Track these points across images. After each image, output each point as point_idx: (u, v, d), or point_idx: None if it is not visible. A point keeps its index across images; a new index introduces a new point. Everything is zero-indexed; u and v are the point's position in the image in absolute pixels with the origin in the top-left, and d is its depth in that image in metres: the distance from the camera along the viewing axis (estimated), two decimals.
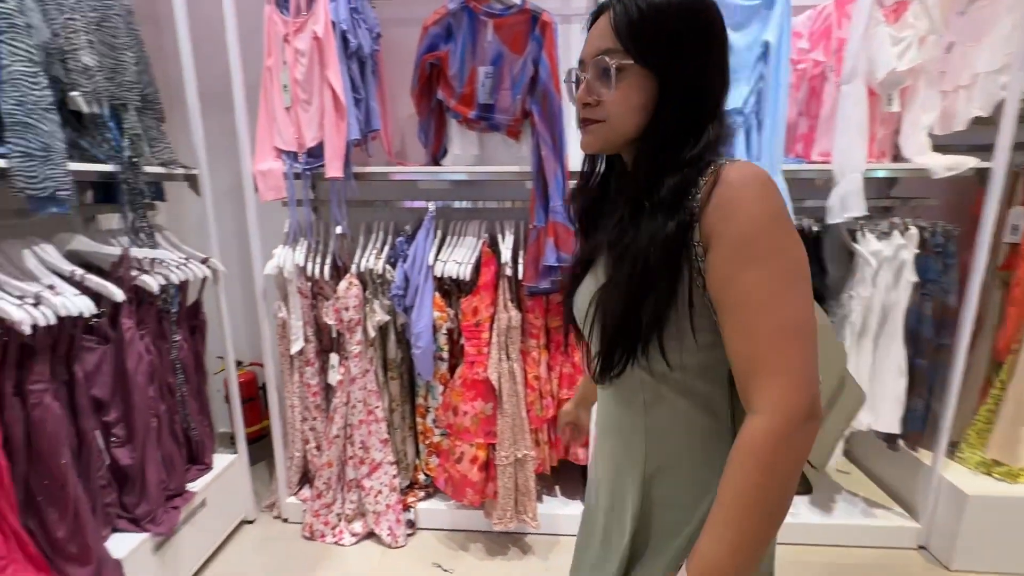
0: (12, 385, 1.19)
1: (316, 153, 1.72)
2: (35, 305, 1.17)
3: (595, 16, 0.64)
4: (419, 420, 1.97)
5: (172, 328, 1.61)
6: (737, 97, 1.54)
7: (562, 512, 1.93)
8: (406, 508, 1.94)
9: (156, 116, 1.62)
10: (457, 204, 1.90)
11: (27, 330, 1.14)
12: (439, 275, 1.76)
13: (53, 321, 1.20)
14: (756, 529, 0.54)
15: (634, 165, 0.65)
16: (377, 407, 1.85)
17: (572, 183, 1.80)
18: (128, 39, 1.49)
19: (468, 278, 1.76)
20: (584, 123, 0.65)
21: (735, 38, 1.52)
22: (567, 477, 2.14)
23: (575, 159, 1.71)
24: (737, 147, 1.57)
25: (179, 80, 1.65)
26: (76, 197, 1.26)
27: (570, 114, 1.86)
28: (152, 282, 1.48)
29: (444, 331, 1.81)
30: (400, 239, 1.82)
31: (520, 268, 1.75)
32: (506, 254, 1.73)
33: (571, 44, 1.94)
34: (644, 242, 0.59)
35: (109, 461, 1.46)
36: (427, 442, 1.95)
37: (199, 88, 1.67)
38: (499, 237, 1.83)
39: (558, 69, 1.59)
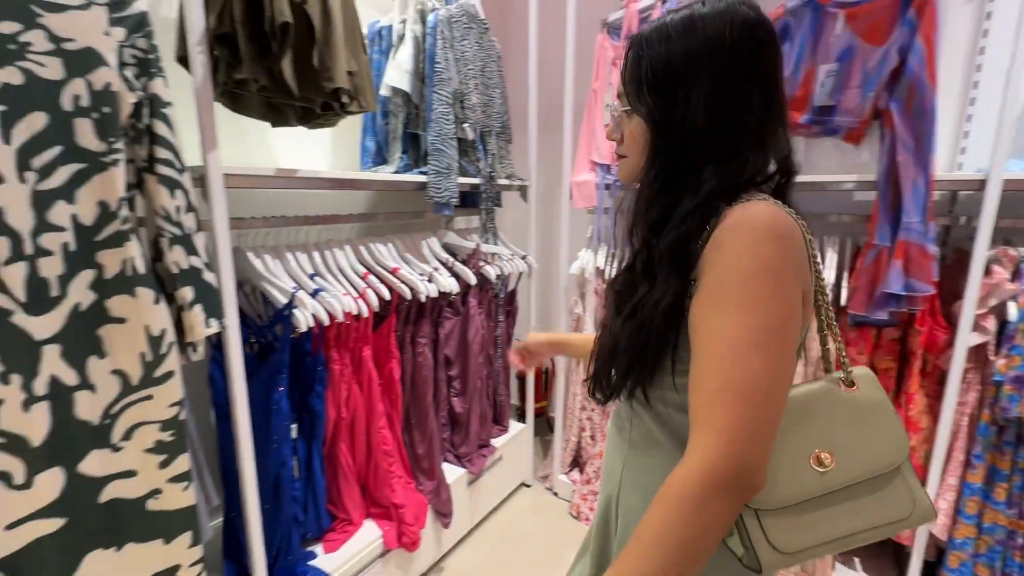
0: (409, 337, 1.66)
1: None
2: (428, 281, 1.61)
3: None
4: None
5: (498, 310, 1.98)
6: None
7: None
8: None
9: (506, 139, 2.01)
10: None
11: (423, 299, 1.57)
12: None
13: (435, 294, 1.63)
14: (657, 566, 0.49)
15: (640, 204, 0.62)
16: None
17: (937, 194, 1.46)
18: (498, 79, 1.88)
19: None
20: (614, 156, 0.68)
21: None
22: (874, 553, 1.76)
23: (943, 165, 1.38)
24: None
25: (523, 107, 2.01)
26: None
27: (944, 112, 1.52)
28: (491, 271, 1.84)
29: None
30: None
31: (843, 292, 1.51)
32: (827, 275, 1.51)
33: (948, 22, 1.56)
34: (646, 311, 0.58)
35: (448, 406, 1.90)
36: None
37: (536, 112, 2.00)
38: (815, 254, 1.61)
39: (936, 56, 1.30)
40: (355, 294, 1.43)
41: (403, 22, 1.67)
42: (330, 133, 1.80)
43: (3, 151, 0.75)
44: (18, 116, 0.76)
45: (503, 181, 1.93)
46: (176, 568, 1.01)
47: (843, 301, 1.51)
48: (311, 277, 1.38)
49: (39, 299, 0.80)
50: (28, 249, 0.78)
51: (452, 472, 1.86)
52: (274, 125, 1.30)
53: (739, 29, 0.57)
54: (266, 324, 1.37)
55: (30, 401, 0.80)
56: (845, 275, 1.55)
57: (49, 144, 0.79)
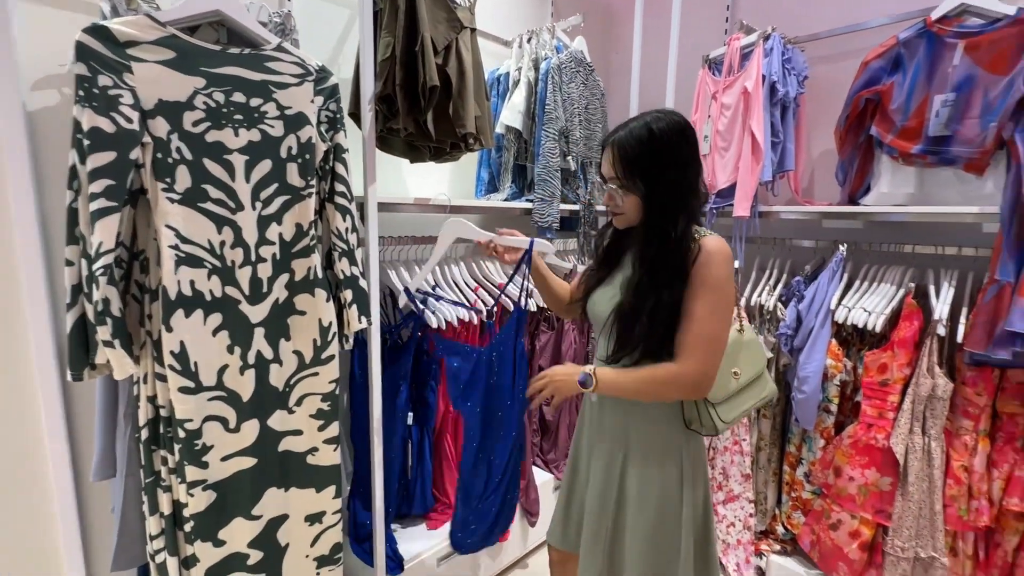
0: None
1: (724, 194, 1.90)
2: (529, 296, 1.79)
3: (604, 146, 1.03)
4: (787, 469, 1.87)
5: (590, 328, 2.11)
6: None
7: None
8: (758, 553, 1.88)
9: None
10: (876, 247, 1.71)
11: (532, 310, 1.75)
12: (840, 320, 1.63)
13: (534, 309, 1.81)
14: (623, 387, 0.99)
15: (644, 242, 1.01)
16: (744, 440, 1.87)
17: None
18: (600, 115, 2.05)
19: (878, 330, 1.57)
20: (610, 212, 1.07)
21: None
22: None
23: None
24: None
25: None
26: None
27: None
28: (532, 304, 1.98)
29: (836, 382, 1.66)
30: (798, 279, 1.79)
31: (960, 329, 1.43)
32: (942, 309, 1.45)
33: None
34: (665, 298, 0.96)
35: (539, 414, 2.05)
36: (793, 495, 1.83)
37: None
38: (930, 288, 1.55)
39: None
40: (467, 304, 1.65)
41: (519, 69, 1.91)
42: (450, 165, 2.08)
43: (244, 187, 1.06)
44: (255, 162, 1.07)
45: (600, 207, 2.08)
46: (322, 513, 1.27)
47: (959, 338, 1.43)
48: (433, 288, 1.62)
49: (256, 293, 1.10)
50: (253, 257, 1.09)
51: (540, 476, 2.01)
52: (412, 162, 1.58)
53: (681, 134, 0.97)
54: (396, 325, 1.65)
55: (244, 368, 1.10)
56: (964, 311, 1.47)
57: (271, 183, 1.09)
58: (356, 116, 1.32)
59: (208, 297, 1.04)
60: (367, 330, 1.34)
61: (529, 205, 1.81)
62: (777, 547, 1.90)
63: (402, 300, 1.53)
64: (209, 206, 1.02)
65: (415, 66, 1.24)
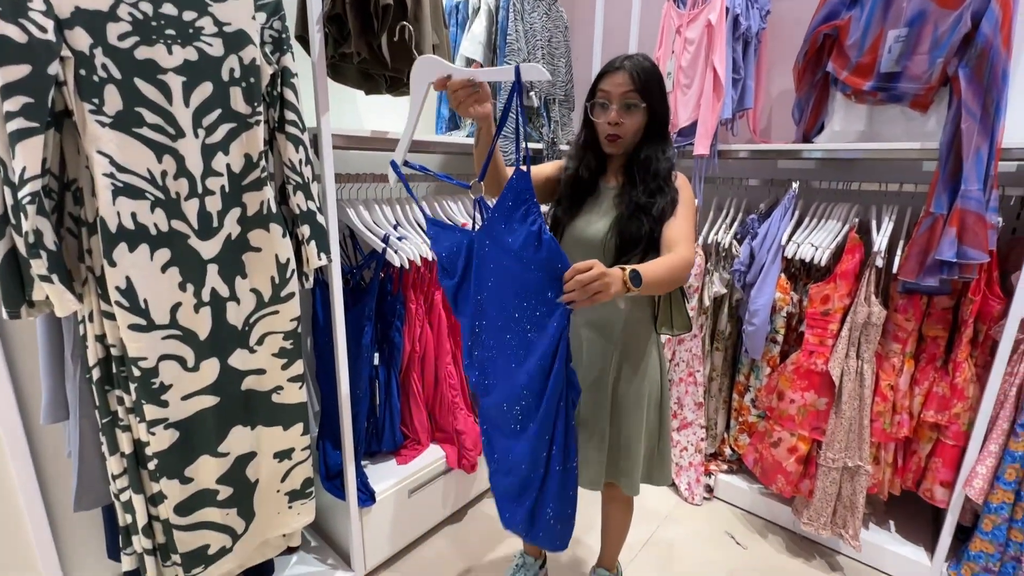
0: None
1: (685, 132, 1.91)
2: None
3: (612, 72, 1.11)
4: (735, 396, 2.01)
5: None
6: None
7: (891, 548, 1.66)
8: (707, 473, 2.05)
9: (569, 107, 2.11)
10: (825, 184, 1.77)
11: None
12: (790, 256, 1.72)
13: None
14: (660, 277, 0.98)
15: (643, 160, 1.14)
16: (698, 371, 1.98)
17: (1005, 165, 1.44)
18: (564, 49, 1.98)
19: (824, 263, 1.66)
20: (611, 136, 1.13)
21: None
22: (909, 513, 1.81)
23: (1012, 134, 1.36)
24: None
25: (588, 76, 2.10)
26: None
27: (1015, 79, 1.48)
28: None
29: (783, 314, 1.77)
30: (752, 217, 1.85)
31: (897, 260, 1.53)
32: (880, 241, 1.54)
33: None
34: (661, 204, 1.11)
35: None
36: (740, 419, 1.98)
37: None
38: (872, 223, 1.64)
39: (1013, 20, 1.28)
40: (430, 243, 1.63)
41: None
42: (408, 101, 1.99)
43: (184, 112, 0.98)
44: (194, 85, 0.99)
45: (564, 147, 2.05)
46: (291, 450, 1.28)
47: (895, 269, 1.54)
48: (394, 227, 1.59)
49: (206, 228, 1.04)
50: (199, 188, 1.02)
51: None
52: (367, 93, 1.50)
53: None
54: (358, 265, 1.61)
55: (199, 305, 1.06)
56: (901, 244, 1.57)
57: (213, 107, 1.02)
58: (304, 39, 1.23)
59: (153, 231, 0.98)
60: (327, 268, 1.31)
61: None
62: (724, 467, 2.07)
63: (367, 235, 1.50)
64: (145, 132, 0.95)
65: None
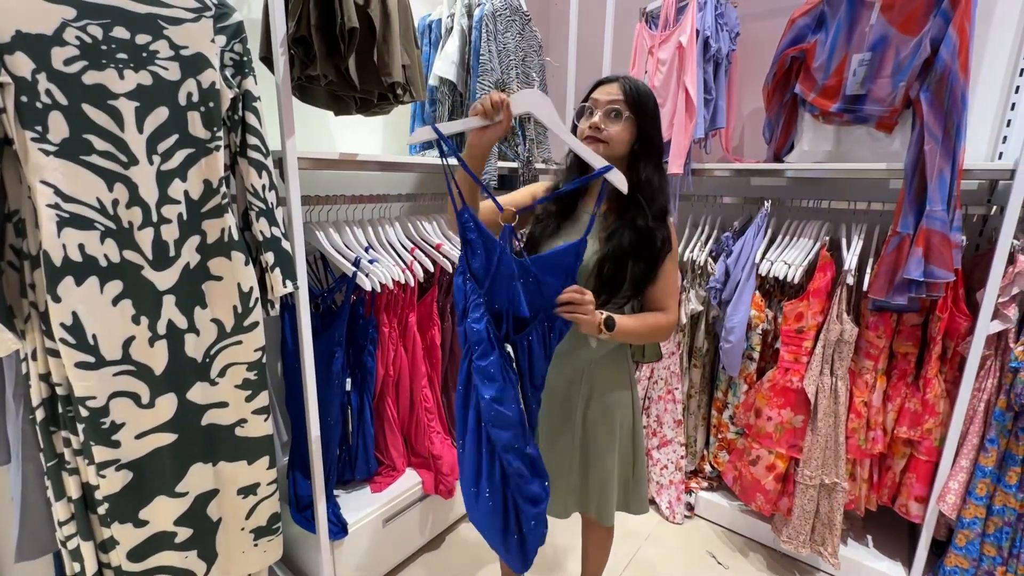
0: (450, 307, 1.83)
1: None
2: None
3: (605, 83, 1.08)
4: (714, 413, 2.01)
5: None
6: None
7: (868, 564, 1.67)
8: (688, 491, 2.03)
9: (543, 126, 2.11)
10: (797, 203, 1.80)
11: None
12: (764, 274, 1.73)
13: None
14: (636, 333, 1.07)
15: (644, 181, 1.07)
16: (676, 388, 1.98)
17: (967, 183, 1.47)
18: (537, 67, 1.99)
19: (796, 281, 1.67)
20: (588, 137, 1.06)
21: None
22: (886, 529, 1.82)
23: (973, 155, 1.40)
24: None
25: (562, 94, 2.11)
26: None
27: (986, 101, 1.53)
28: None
29: (759, 331, 1.78)
30: (727, 234, 1.86)
31: (867, 278, 1.56)
32: (851, 260, 1.56)
33: (996, 11, 1.55)
34: (655, 247, 1.06)
35: None
36: (719, 436, 1.98)
37: (574, 100, 2.10)
38: (842, 241, 1.66)
39: (970, 47, 1.32)
40: (403, 266, 1.60)
41: (451, 16, 1.80)
42: (382, 120, 1.96)
43: (138, 139, 0.94)
44: (148, 110, 0.95)
45: (539, 165, 2.05)
46: (256, 485, 1.23)
47: (865, 286, 1.56)
48: (366, 249, 1.56)
49: (161, 258, 1.00)
50: (154, 217, 0.98)
51: None
52: (337, 114, 1.47)
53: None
54: (329, 289, 1.57)
55: (154, 339, 1.01)
56: (870, 262, 1.60)
57: (169, 133, 0.98)
58: (269, 61, 1.20)
59: (103, 262, 0.93)
60: (295, 295, 1.26)
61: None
62: (705, 484, 2.06)
63: (337, 259, 1.46)
64: (95, 159, 0.90)
65: (332, 5, 1.13)
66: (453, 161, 0.97)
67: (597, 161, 0.97)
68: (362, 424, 1.65)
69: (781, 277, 1.69)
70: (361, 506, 1.61)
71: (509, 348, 0.95)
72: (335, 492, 1.59)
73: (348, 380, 1.59)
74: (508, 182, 1.99)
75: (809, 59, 1.61)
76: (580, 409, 1.19)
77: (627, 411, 1.21)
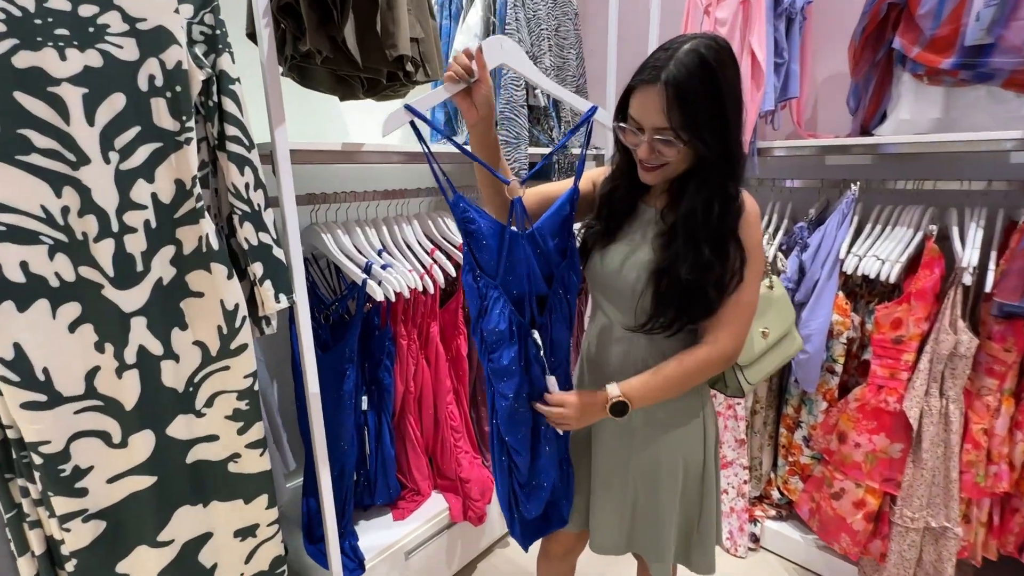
0: None
1: None
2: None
3: (644, 83, 0.77)
4: (783, 431, 1.73)
5: None
6: None
7: None
8: (752, 520, 1.77)
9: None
10: (891, 184, 1.48)
11: None
12: (849, 271, 1.44)
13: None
14: (661, 392, 0.88)
15: (687, 213, 0.82)
16: (739, 403, 1.71)
17: None
18: (573, 39, 1.74)
19: (893, 280, 1.38)
20: (645, 166, 0.83)
21: None
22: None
23: None
24: None
25: (602, 70, 1.85)
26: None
27: None
28: None
29: (843, 339, 1.49)
30: (800, 225, 1.57)
31: (991, 276, 1.24)
32: (968, 254, 1.25)
33: None
34: (713, 276, 0.82)
35: None
36: (790, 459, 1.70)
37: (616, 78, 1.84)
38: (953, 230, 1.35)
39: None
40: (421, 270, 1.41)
41: None
42: (398, 106, 1.78)
43: (88, 133, 0.78)
44: (100, 98, 0.79)
45: (576, 150, 1.81)
46: (256, 527, 1.08)
47: (988, 286, 1.25)
48: (379, 253, 1.38)
49: (126, 273, 0.84)
50: (115, 226, 0.82)
51: None
52: (342, 99, 1.29)
53: (736, 64, 0.79)
54: (339, 298, 1.41)
55: (122, 368, 0.86)
56: (993, 255, 1.28)
57: (129, 124, 0.82)
58: (256, 37, 1.02)
59: (54, 282, 0.78)
60: (294, 310, 1.10)
61: None
62: (772, 512, 1.79)
63: (345, 265, 1.29)
64: (35, 159, 0.75)
65: None
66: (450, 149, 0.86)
67: (583, 104, 0.91)
68: (380, 446, 1.48)
69: (872, 275, 1.39)
70: (381, 536, 1.45)
71: (536, 335, 0.86)
72: (352, 522, 1.44)
73: (364, 398, 1.42)
74: (544, 171, 1.77)
75: (912, 4, 1.29)
76: (635, 433, 0.97)
77: (696, 448, 0.97)
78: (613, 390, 0.87)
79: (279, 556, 1.13)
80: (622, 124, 0.83)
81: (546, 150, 1.70)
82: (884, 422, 1.38)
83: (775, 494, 1.78)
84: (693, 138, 0.76)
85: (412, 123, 0.82)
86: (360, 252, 1.35)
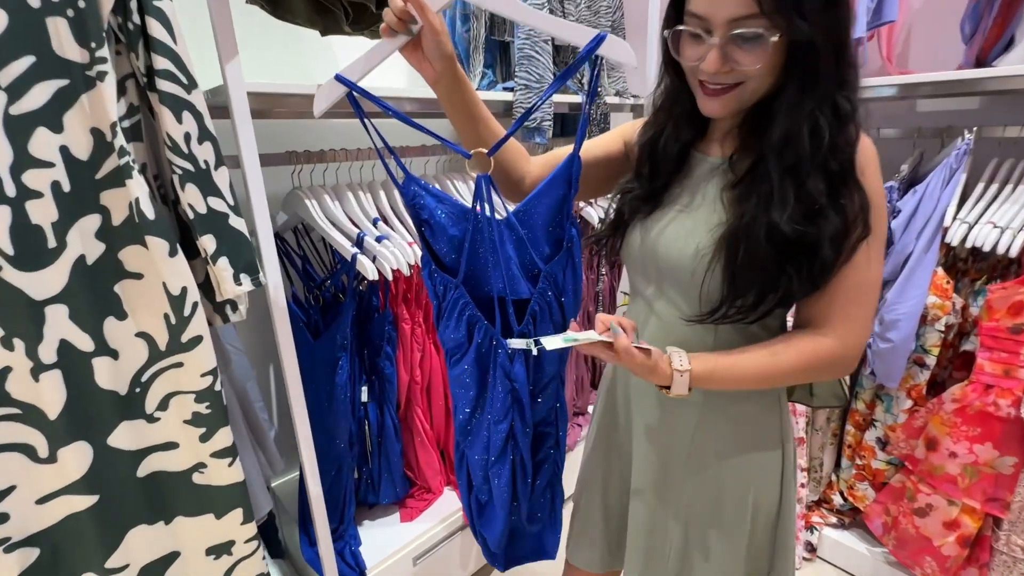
0: None
1: None
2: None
3: None
4: (850, 429, 1.48)
5: (600, 261, 1.66)
6: None
7: None
8: (808, 527, 1.55)
9: None
10: (1013, 132, 1.17)
11: None
12: (955, 243, 1.15)
13: None
14: (744, 382, 0.63)
15: (786, 114, 0.58)
16: None
17: None
18: None
19: (1014, 254, 1.09)
20: (710, 89, 0.61)
21: None
22: None
23: None
24: None
25: (642, 7, 1.55)
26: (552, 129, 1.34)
27: None
28: (594, 214, 1.51)
29: (940, 326, 1.21)
30: (890, 184, 1.28)
31: None
32: None
33: None
34: (831, 228, 0.57)
35: None
36: (859, 461, 1.46)
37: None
38: None
39: None
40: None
41: None
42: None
43: None
44: None
45: (612, 99, 1.53)
46: (231, 543, 0.92)
47: None
48: (374, 223, 1.17)
49: (32, 251, 0.66)
50: (9, 190, 0.64)
51: None
52: (323, 33, 1.06)
53: None
54: (330, 274, 1.22)
55: (38, 369, 0.69)
56: None
57: (16, 54, 0.62)
58: None
59: None
60: (267, 293, 0.91)
61: (509, 96, 1.29)
62: (833, 519, 1.56)
63: (333, 236, 1.09)
64: None
65: None
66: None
67: (580, 35, 0.67)
68: (384, 441, 1.32)
69: (988, 248, 1.11)
70: (387, 539, 1.31)
71: (515, 343, 0.62)
72: (355, 520, 1.30)
73: (364, 389, 1.25)
74: (572, 122, 1.51)
75: None
76: (691, 467, 0.75)
77: (771, 484, 0.73)
78: (675, 359, 0.61)
79: (263, 574, 0.98)
80: (679, 28, 0.59)
81: (575, 97, 1.43)
82: (992, 429, 1.11)
83: (836, 499, 1.55)
84: (797, 19, 0.52)
85: (351, 96, 0.65)
86: (353, 222, 1.14)
